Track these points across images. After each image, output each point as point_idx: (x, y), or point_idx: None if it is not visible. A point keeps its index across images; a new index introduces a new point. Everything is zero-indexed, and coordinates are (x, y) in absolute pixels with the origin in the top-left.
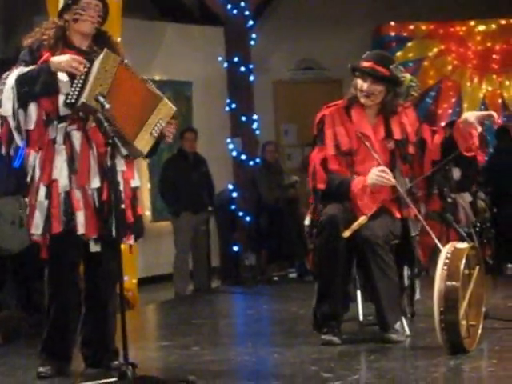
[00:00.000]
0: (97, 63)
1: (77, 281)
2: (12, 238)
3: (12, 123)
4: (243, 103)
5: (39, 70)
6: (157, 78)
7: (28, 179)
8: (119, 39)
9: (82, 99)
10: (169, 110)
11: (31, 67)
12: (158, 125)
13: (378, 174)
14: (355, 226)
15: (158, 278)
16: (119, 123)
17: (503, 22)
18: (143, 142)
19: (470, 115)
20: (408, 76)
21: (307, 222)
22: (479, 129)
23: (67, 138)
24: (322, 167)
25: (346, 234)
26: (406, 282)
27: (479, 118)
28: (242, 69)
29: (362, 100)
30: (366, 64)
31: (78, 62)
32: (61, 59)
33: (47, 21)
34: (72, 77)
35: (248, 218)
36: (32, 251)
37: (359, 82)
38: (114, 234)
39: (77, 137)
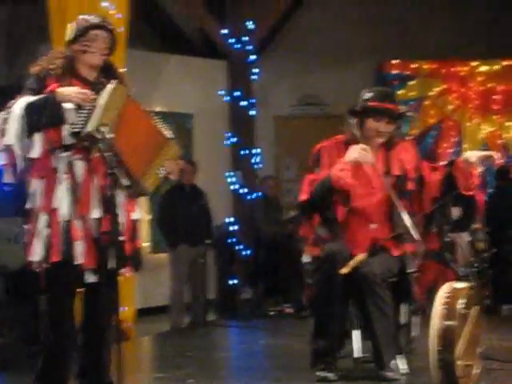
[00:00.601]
0: (105, 94)
1: (73, 310)
2: (8, 254)
3: (17, 152)
4: (244, 137)
5: (46, 100)
6: (158, 109)
7: (28, 206)
8: (123, 69)
9: (88, 129)
10: (175, 153)
11: (37, 96)
12: (165, 165)
13: (359, 150)
14: (354, 262)
15: (156, 310)
16: (127, 159)
17: (505, 62)
18: (150, 181)
19: (471, 155)
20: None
21: (306, 259)
22: (480, 169)
23: (70, 167)
24: (308, 184)
25: (345, 270)
26: (403, 319)
27: (480, 158)
28: (244, 103)
29: (377, 140)
30: (383, 105)
31: (85, 94)
32: (68, 91)
33: (53, 49)
34: (78, 106)
35: (246, 252)
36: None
37: (371, 122)
38: (110, 265)
39: (80, 166)
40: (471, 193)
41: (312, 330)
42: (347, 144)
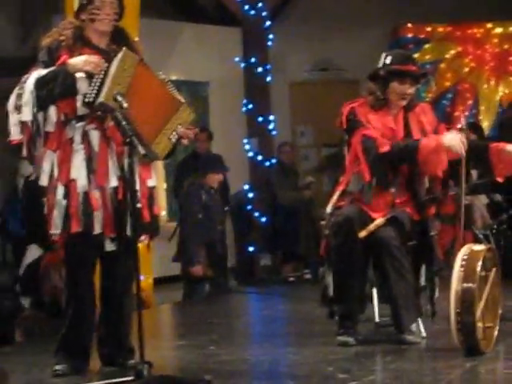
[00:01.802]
0: (115, 62)
1: (93, 280)
2: None
3: (33, 127)
4: (260, 104)
5: (57, 73)
6: (173, 77)
7: (46, 179)
8: (136, 38)
9: (101, 98)
10: (188, 116)
11: (49, 69)
12: (177, 130)
13: (460, 139)
14: (372, 226)
15: (174, 278)
16: (138, 124)
17: None
18: (161, 146)
19: None
20: None
21: (329, 209)
22: None
23: (85, 137)
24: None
25: (363, 234)
26: (423, 281)
27: None
28: (259, 69)
29: (401, 102)
30: (408, 67)
31: (95, 62)
32: (78, 61)
33: (65, 20)
34: (90, 76)
35: (264, 219)
36: None
37: (396, 85)
38: (129, 233)
39: (95, 136)
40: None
41: (329, 293)
42: (373, 108)
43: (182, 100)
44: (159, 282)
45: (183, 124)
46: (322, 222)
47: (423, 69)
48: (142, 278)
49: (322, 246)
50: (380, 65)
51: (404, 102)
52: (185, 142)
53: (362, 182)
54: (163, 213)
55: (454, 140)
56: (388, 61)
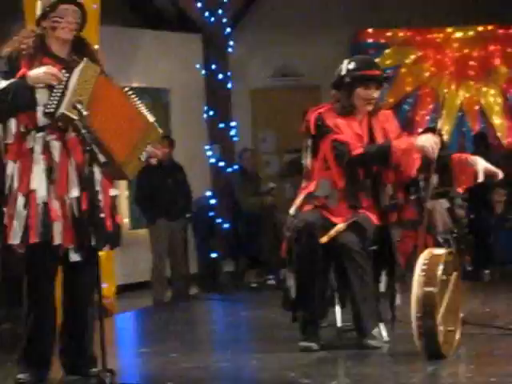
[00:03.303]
0: (76, 73)
1: (53, 290)
2: None
3: None
4: (221, 110)
5: (17, 86)
6: (134, 84)
7: (6, 189)
8: (97, 46)
9: (61, 109)
10: (157, 136)
11: (9, 81)
12: (147, 149)
13: (434, 141)
14: (333, 232)
15: (137, 286)
16: (106, 140)
17: (480, 28)
18: (131, 166)
19: (482, 165)
20: None
21: (292, 211)
22: (481, 178)
23: (46, 147)
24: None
25: (324, 240)
26: (384, 287)
27: (486, 170)
28: (220, 76)
29: (367, 107)
30: (372, 72)
31: (55, 74)
32: (38, 73)
33: (25, 29)
34: (51, 87)
35: (226, 225)
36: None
37: (362, 90)
38: (93, 243)
39: (55, 146)
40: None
41: (291, 296)
42: (339, 114)
43: (151, 119)
44: (123, 289)
45: (152, 143)
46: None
47: (385, 73)
48: (104, 285)
49: (283, 247)
50: (343, 71)
51: (370, 107)
52: (153, 161)
53: (330, 187)
54: (125, 221)
55: (427, 141)
56: (351, 66)
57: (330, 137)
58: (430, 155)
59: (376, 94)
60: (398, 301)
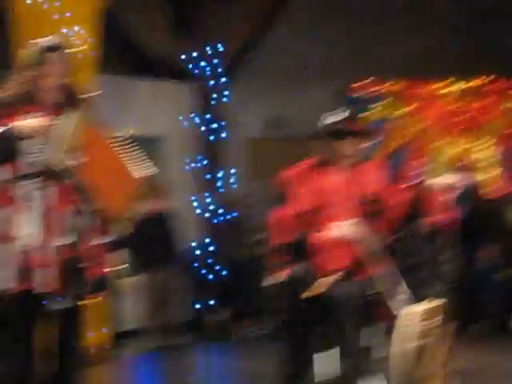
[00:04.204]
0: (63, 122)
1: (33, 337)
2: None
3: None
4: (214, 160)
5: (1, 137)
6: (131, 132)
7: None
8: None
9: (47, 158)
10: (146, 193)
11: None
12: (139, 207)
13: (346, 227)
14: (318, 287)
15: (123, 334)
16: (94, 188)
17: (469, 84)
18: (121, 225)
19: (435, 182)
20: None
21: (268, 282)
22: (448, 195)
23: (31, 195)
24: (276, 224)
25: (308, 294)
26: (368, 341)
27: (442, 187)
28: (213, 125)
29: (343, 162)
30: (346, 126)
31: (41, 124)
32: (24, 124)
33: (12, 76)
34: (36, 134)
35: (214, 275)
36: None
37: (336, 145)
38: (73, 292)
39: (41, 194)
40: (432, 221)
41: (282, 355)
42: (320, 166)
43: (138, 176)
44: (123, 335)
45: (141, 200)
46: None
47: (369, 127)
48: (89, 334)
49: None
50: (320, 125)
51: (346, 162)
52: (139, 216)
53: None
54: (124, 266)
55: (339, 229)
56: (327, 121)
57: (277, 210)
58: (352, 239)
59: (350, 148)
60: (378, 355)
